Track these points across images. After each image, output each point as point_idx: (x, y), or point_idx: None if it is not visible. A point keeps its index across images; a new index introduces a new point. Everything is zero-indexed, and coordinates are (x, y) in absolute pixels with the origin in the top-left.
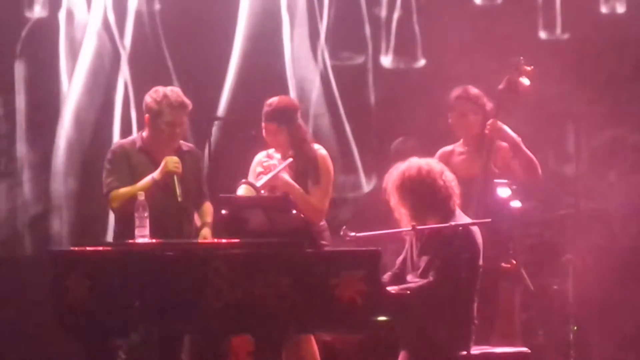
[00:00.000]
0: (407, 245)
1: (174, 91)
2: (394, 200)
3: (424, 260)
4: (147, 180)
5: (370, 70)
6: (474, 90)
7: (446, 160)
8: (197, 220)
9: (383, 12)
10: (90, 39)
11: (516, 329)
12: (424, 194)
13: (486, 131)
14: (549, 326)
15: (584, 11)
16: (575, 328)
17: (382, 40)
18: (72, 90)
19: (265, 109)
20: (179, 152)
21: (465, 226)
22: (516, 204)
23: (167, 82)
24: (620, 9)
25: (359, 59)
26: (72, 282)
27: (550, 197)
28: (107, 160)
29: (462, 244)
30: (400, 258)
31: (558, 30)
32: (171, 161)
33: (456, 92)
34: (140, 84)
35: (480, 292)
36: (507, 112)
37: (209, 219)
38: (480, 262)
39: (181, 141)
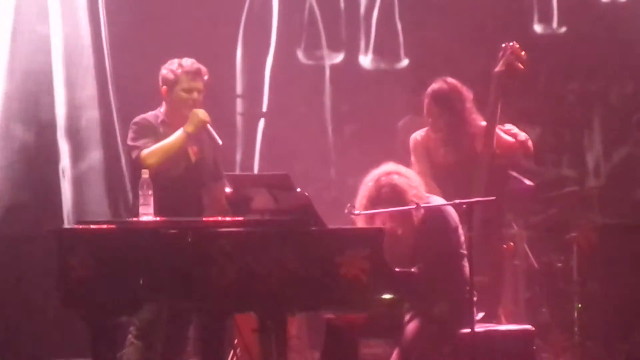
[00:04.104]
0: None
1: (188, 60)
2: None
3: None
4: (178, 133)
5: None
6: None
7: (425, 145)
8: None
9: (362, 8)
10: None
11: (519, 307)
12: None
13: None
14: (553, 304)
15: (582, 1)
16: (579, 305)
17: (361, 38)
18: None
19: None
20: None
21: (469, 205)
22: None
23: None
24: None
25: (336, 58)
26: (76, 260)
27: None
28: (131, 129)
29: (434, 226)
30: None
31: (554, 23)
32: (201, 112)
33: None
34: None
35: (482, 269)
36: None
37: None
38: (461, 236)
39: None
